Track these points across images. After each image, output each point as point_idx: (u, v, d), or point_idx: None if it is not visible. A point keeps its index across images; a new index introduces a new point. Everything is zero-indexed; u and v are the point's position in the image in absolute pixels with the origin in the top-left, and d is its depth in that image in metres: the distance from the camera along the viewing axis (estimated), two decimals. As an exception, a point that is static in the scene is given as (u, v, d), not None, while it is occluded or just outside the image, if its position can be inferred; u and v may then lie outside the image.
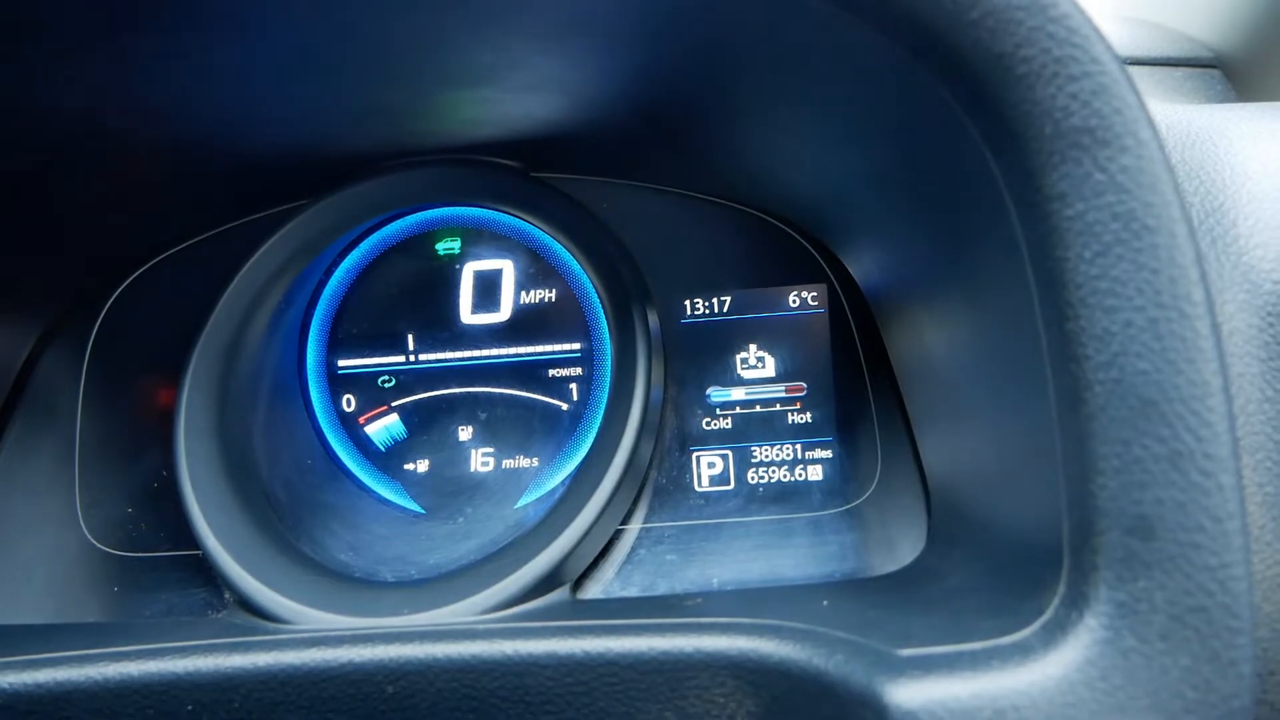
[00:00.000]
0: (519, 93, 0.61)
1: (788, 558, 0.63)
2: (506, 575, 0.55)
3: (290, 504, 0.64)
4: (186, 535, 0.61)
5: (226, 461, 0.61)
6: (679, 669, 0.46)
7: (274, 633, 0.52)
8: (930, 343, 0.57)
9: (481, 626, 0.50)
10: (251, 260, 0.63)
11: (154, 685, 0.47)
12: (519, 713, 0.47)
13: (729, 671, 0.46)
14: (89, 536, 0.68)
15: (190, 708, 0.48)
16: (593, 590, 0.61)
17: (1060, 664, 0.37)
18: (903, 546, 0.60)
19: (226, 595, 0.59)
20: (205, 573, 0.63)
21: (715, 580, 0.62)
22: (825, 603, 0.51)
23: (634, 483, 0.62)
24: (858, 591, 0.55)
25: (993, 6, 0.38)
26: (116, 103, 0.55)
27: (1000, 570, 0.45)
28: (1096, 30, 0.39)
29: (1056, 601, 0.40)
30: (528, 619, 0.53)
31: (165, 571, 0.64)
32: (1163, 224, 0.37)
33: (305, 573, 0.58)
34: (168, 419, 0.67)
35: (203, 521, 0.57)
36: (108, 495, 0.68)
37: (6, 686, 0.48)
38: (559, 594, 0.57)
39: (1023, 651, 0.38)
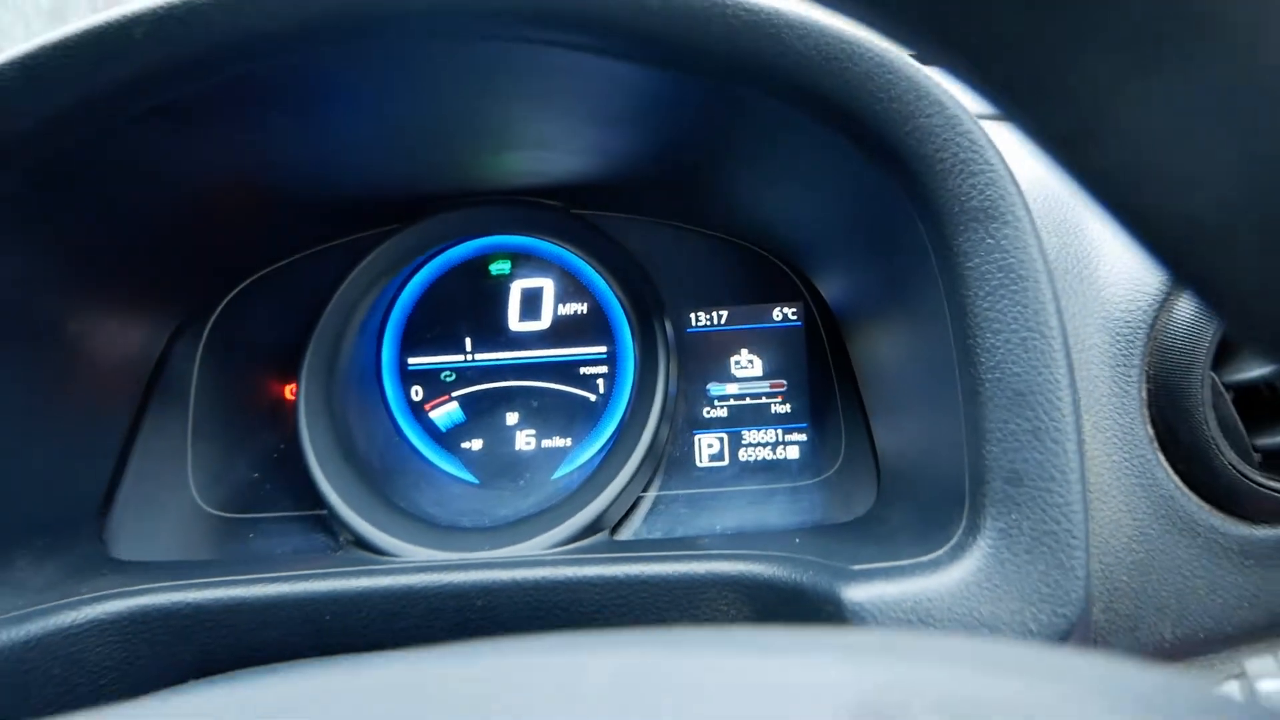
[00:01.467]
0: (567, 154, 0.78)
1: (772, 513, 0.80)
2: (562, 522, 0.72)
3: (384, 471, 0.80)
4: (304, 495, 0.78)
5: (335, 436, 0.78)
6: (694, 587, 0.63)
7: (388, 564, 0.69)
8: (881, 351, 0.74)
9: (546, 557, 0.67)
10: (351, 275, 0.80)
11: (302, 600, 0.64)
12: (574, 620, 0.64)
13: (731, 588, 0.63)
14: (198, 500, 0.84)
15: (328, 618, 0.64)
16: (626, 534, 0.78)
17: (960, 572, 0.55)
18: (858, 503, 0.77)
19: (341, 539, 0.75)
20: (321, 524, 0.79)
21: (718, 527, 0.79)
22: (798, 540, 0.68)
23: (655, 457, 0.79)
24: (823, 533, 0.73)
25: (921, 124, 0.56)
26: (254, 162, 0.71)
27: (924, 513, 0.63)
28: (989, 139, 0.57)
29: (959, 531, 0.57)
30: (579, 553, 0.71)
31: (286, 525, 0.81)
32: (1030, 274, 0.55)
33: (404, 520, 0.74)
34: (275, 402, 0.84)
35: (325, 481, 0.73)
36: (225, 464, 0.84)
37: (187, 601, 0.64)
38: (601, 536, 0.74)
39: (935, 565, 0.56)
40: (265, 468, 0.82)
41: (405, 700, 0.23)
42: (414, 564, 0.66)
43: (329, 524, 0.77)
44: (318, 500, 0.75)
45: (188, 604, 0.62)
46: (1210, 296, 0.23)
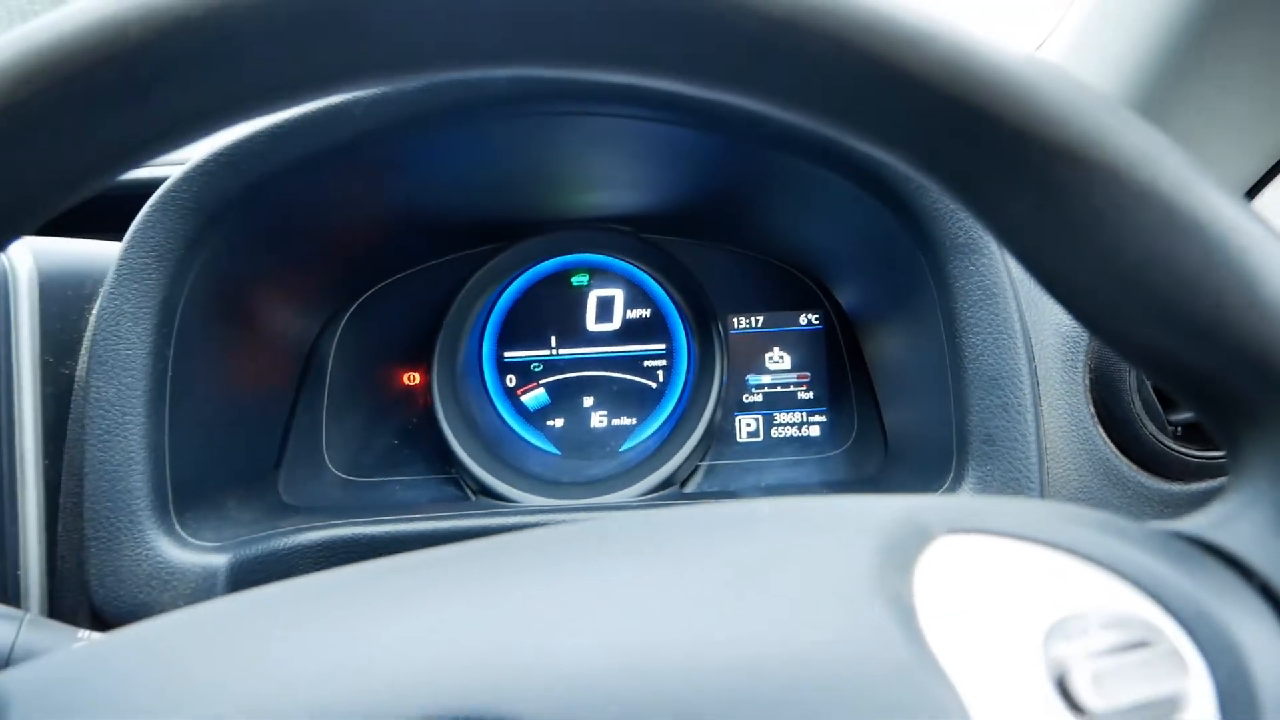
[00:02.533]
0: (636, 192, 0.99)
1: (801, 476, 1.00)
2: (640, 480, 0.92)
3: (495, 440, 1.01)
4: (434, 459, 0.99)
5: (459, 411, 0.98)
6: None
7: (513, 508, 0.89)
8: (888, 348, 0.95)
9: (637, 502, 0.87)
10: (468, 284, 1.01)
11: (452, 533, 0.84)
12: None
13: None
14: (330, 467, 1.04)
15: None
16: (690, 489, 0.99)
17: (947, 509, 0.75)
18: (869, 467, 0.98)
19: (469, 491, 0.96)
20: (451, 482, 1.00)
21: (761, 485, 1.00)
22: (825, 492, 0.89)
23: (710, 433, 1.00)
24: (842, 488, 0.94)
25: (923, 184, 0.77)
26: (392, 198, 0.91)
27: (921, 470, 0.84)
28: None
29: (948, 480, 0.77)
30: (660, 500, 0.92)
31: (420, 484, 1.01)
32: (1001, 292, 0.75)
33: (516, 476, 0.95)
34: (399, 386, 1.05)
35: (457, 445, 0.94)
36: (360, 435, 1.04)
37: (367, 534, 0.83)
38: (672, 490, 0.95)
39: (930, 504, 0.76)
40: (401, 437, 1.03)
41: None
42: (533, 507, 0.86)
43: (458, 481, 0.98)
44: (446, 462, 0.96)
45: (367, 536, 0.82)
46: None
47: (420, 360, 1.03)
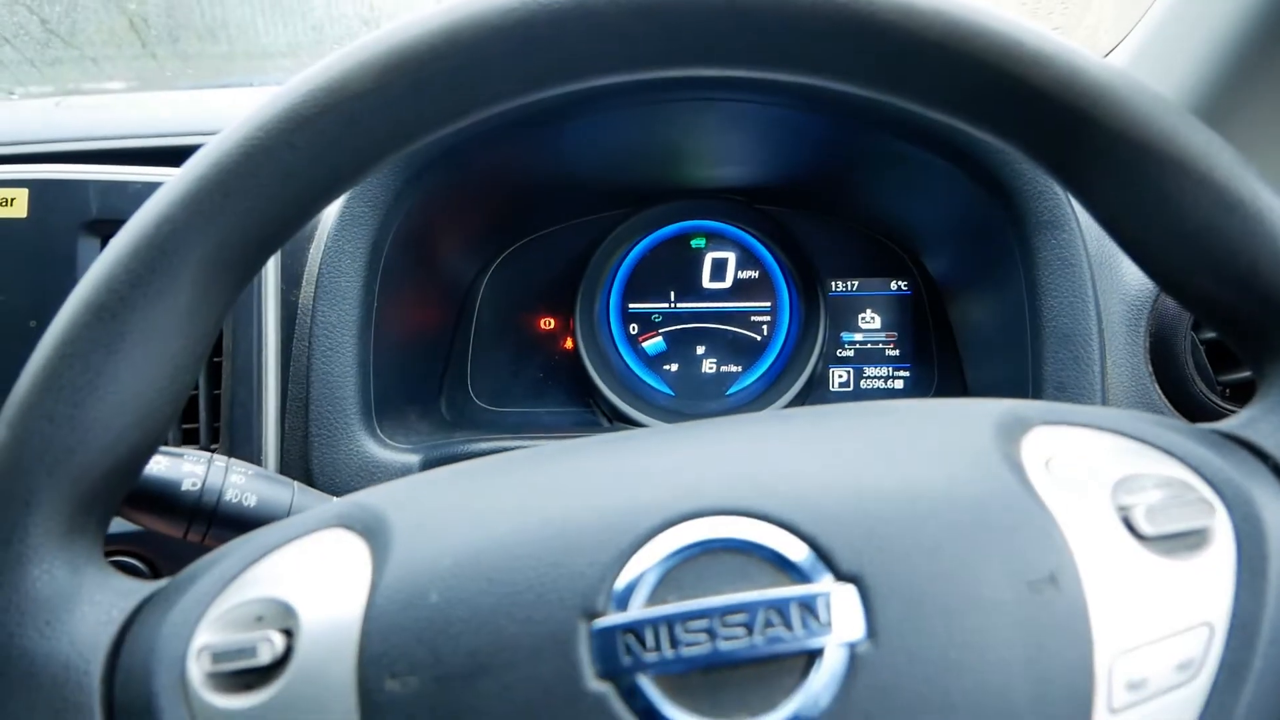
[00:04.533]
0: (750, 167, 1.13)
1: (889, 419, 1.15)
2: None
3: (626, 377, 1.17)
4: (574, 393, 1.15)
5: (598, 352, 1.15)
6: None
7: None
8: (972, 311, 1.09)
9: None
10: (604, 242, 1.16)
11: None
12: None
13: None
14: (476, 400, 1.21)
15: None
16: (793, 425, 1.14)
17: (1022, 444, 0.89)
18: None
19: (602, 420, 1.12)
20: (588, 414, 1.17)
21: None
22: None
23: (810, 383, 1.15)
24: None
25: (1017, 167, 0.90)
26: (547, 161, 1.07)
27: (1000, 413, 0.98)
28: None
29: (1023, 421, 0.92)
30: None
31: (560, 415, 1.18)
32: (1078, 263, 0.88)
33: (648, 406, 1.11)
34: (541, 330, 1.21)
35: (598, 380, 1.11)
36: (506, 369, 1.21)
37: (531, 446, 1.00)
38: (779, 424, 1.10)
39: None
40: (545, 371, 1.20)
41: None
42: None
43: (594, 413, 1.15)
44: (584, 395, 1.12)
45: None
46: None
47: (556, 306, 1.19)
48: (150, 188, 0.85)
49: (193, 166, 0.42)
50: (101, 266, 0.41)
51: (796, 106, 0.96)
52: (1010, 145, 0.47)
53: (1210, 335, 0.95)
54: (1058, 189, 0.89)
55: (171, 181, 0.41)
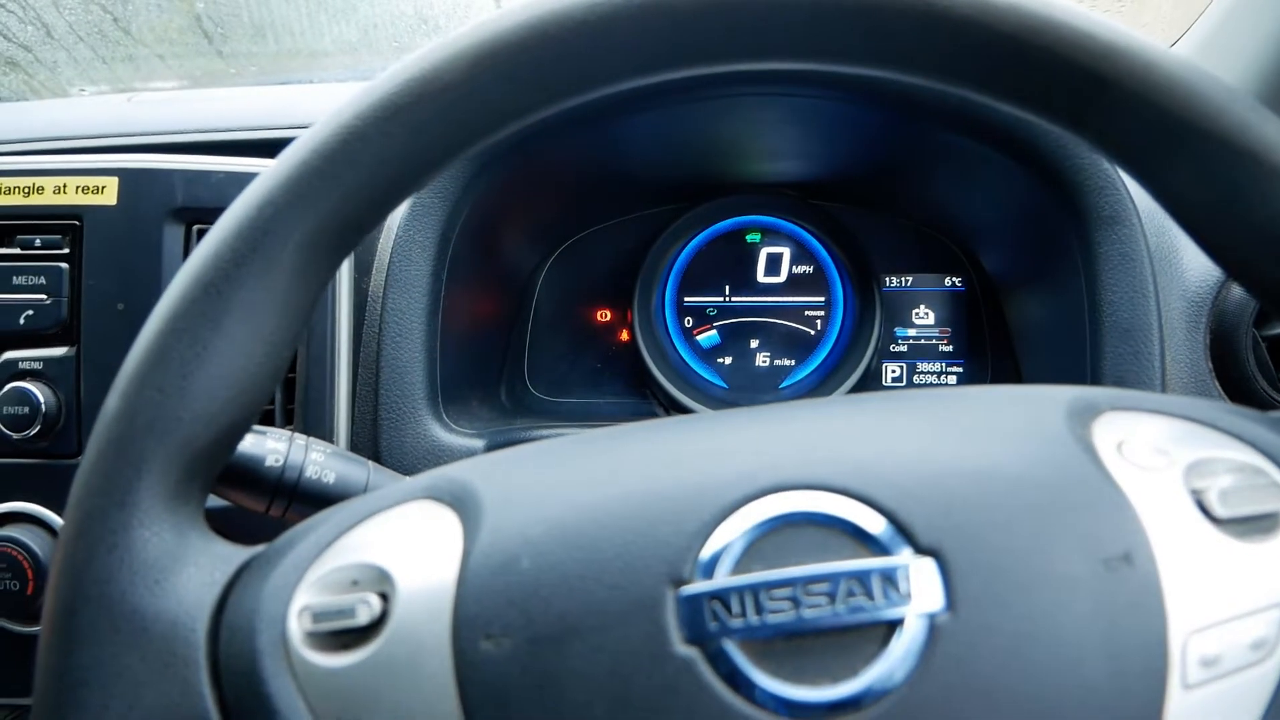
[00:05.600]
0: (805, 163, 1.15)
1: (943, 414, 1.16)
2: (808, 405, 1.09)
3: (681, 369, 1.19)
4: (631, 384, 1.17)
5: (652, 346, 1.16)
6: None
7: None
8: (1029, 307, 1.09)
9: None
10: (661, 236, 1.18)
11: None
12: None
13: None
14: (533, 390, 1.24)
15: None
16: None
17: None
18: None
19: (658, 409, 1.14)
20: (644, 404, 1.19)
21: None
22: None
23: (865, 377, 1.16)
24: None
25: (1078, 161, 0.90)
26: (606, 156, 1.09)
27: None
28: (1117, 173, 0.91)
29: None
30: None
31: (617, 405, 1.20)
32: (1139, 259, 0.89)
33: (703, 397, 1.13)
34: (597, 321, 1.23)
35: (656, 370, 1.13)
36: (563, 359, 1.23)
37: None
38: (833, 417, 1.11)
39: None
40: (602, 361, 1.22)
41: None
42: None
43: (650, 403, 1.16)
44: (641, 385, 1.14)
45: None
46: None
47: (613, 299, 1.21)
48: (232, 178, 0.88)
49: (294, 152, 0.43)
50: (208, 245, 0.44)
51: (853, 101, 0.97)
52: (1080, 136, 0.47)
53: (1271, 332, 0.95)
54: (1119, 184, 0.89)
55: (273, 166, 0.43)
